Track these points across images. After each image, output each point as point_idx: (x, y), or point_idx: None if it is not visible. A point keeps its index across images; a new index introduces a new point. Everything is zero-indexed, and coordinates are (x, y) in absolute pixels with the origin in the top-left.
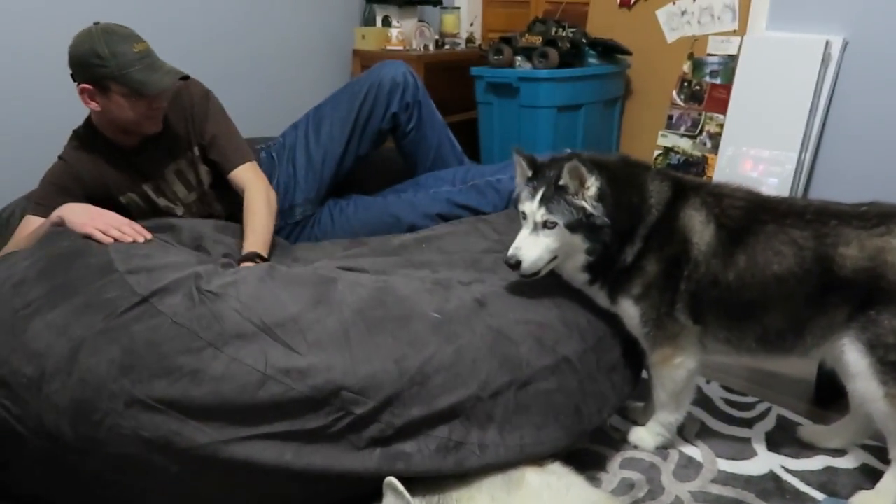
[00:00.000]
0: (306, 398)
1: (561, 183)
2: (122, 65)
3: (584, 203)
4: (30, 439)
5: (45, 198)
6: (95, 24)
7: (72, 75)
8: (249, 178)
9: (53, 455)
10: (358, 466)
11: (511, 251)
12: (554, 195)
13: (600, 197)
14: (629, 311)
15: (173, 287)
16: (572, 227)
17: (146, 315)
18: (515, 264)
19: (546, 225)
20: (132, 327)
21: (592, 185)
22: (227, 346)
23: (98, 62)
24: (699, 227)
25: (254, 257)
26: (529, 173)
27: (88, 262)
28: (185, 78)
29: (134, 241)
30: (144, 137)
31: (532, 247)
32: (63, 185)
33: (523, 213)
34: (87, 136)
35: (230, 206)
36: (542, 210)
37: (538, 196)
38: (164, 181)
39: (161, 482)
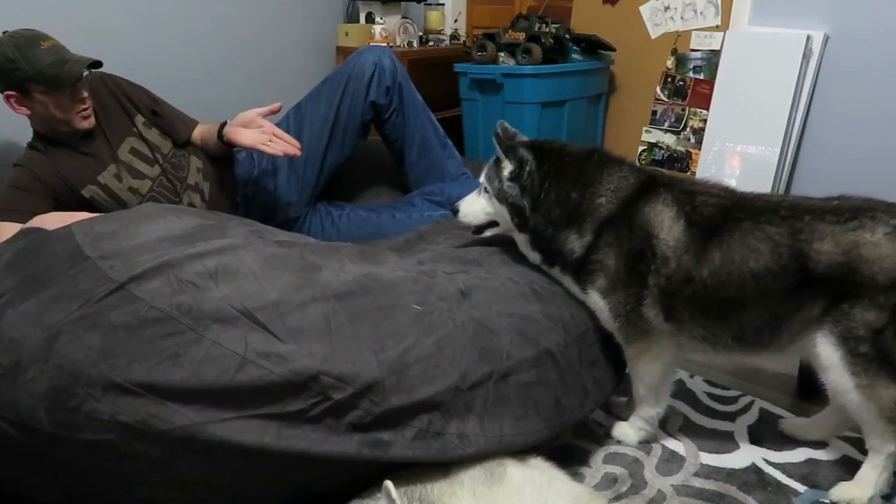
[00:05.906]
0: (286, 381)
1: (498, 158)
2: (34, 63)
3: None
4: (6, 431)
5: (11, 202)
6: (4, 32)
7: None
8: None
9: (31, 446)
10: (336, 451)
11: (458, 202)
12: (493, 167)
13: (513, 177)
14: (598, 305)
15: (150, 274)
16: (499, 199)
17: (124, 301)
18: (454, 211)
19: (486, 189)
20: (110, 314)
21: (507, 166)
22: (208, 330)
23: (11, 66)
24: (667, 223)
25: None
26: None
27: (55, 249)
28: (97, 64)
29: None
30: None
31: (471, 203)
32: (25, 186)
33: None
34: (37, 142)
35: (205, 162)
36: (483, 177)
37: (488, 165)
38: (122, 164)
39: (141, 468)
